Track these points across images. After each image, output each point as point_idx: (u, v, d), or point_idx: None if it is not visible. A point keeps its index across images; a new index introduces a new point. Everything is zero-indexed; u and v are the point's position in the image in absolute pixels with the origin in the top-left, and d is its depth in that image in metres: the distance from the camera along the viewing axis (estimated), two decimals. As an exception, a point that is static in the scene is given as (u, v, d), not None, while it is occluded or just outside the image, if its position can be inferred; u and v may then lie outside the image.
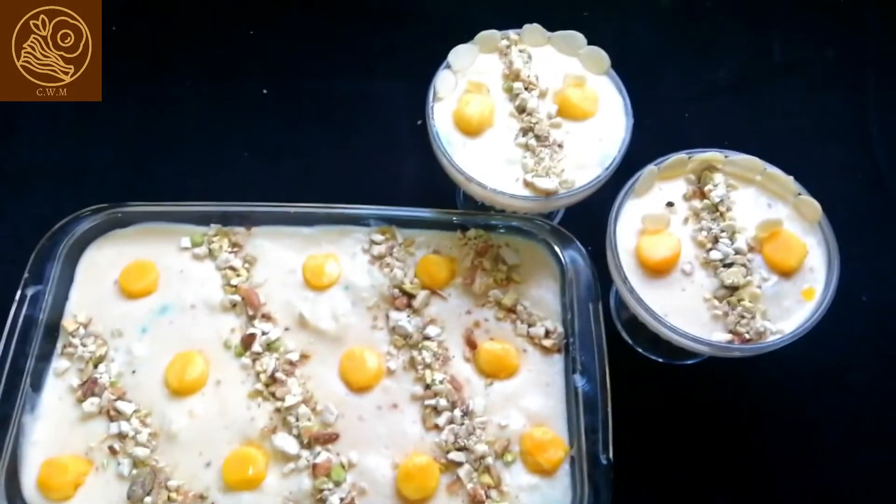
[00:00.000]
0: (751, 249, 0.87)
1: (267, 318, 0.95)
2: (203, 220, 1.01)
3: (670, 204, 0.91)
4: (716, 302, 0.85)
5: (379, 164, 1.18)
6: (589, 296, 0.94)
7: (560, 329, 0.94)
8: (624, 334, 1.05)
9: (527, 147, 0.93)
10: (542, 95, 0.96)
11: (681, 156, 0.92)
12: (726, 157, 0.92)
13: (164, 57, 1.27)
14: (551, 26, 1.00)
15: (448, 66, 0.97)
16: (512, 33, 1.00)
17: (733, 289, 0.85)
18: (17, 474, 0.86)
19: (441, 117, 0.95)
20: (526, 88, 0.96)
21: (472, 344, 0.93)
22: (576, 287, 0.95)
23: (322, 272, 0.97)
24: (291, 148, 1.20)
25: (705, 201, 0.90)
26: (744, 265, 0.86)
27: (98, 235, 1.00)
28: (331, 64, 1.27)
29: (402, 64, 1.26)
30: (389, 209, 1.00)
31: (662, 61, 1.28)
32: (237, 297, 0.96)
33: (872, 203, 1.16)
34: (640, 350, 1.04)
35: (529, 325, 0.94)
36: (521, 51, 0.99)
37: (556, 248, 0.98)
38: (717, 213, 0.89)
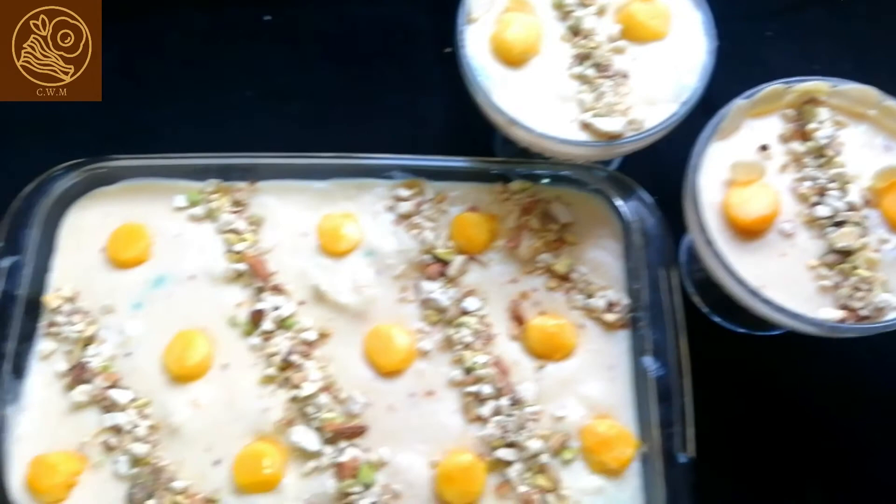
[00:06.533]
0: (866, 203, 0.73)
1: (278, 290, 0.83)
2: (200, 174, 0.88)
3: (764, 147, 0.75)
4: (823, 270, 0.71)
5: (401, 104, 1.03)
6: (660, 259, 0.81)
7: (625, 300, 0.81)
8: (696, 298, 0.90)
9: (584, 79, 0.77)
10: (601, 12, 0.80)
11: (776, 86, 0.76)
12: (833, 87, 0.75)
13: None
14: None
15: (483, -22, 0.80)
16: (563, -70, 0.82)
17: (845, 253, 0.70)
18: (2, 474, 0.77)
19: (475, 44, 0.79)
20: (581, 3, 0.80)
21: (518, 319, 0.81)
22: (643, 248, 0.81)
23: (340, 235, 0.85)
24: (300, 86, 1.04)
25: (808, 143, 0.74)
26: (858, 223, 0.71)
27: (80, 195, 0.89)
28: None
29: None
30: (416, 158, 0.87)
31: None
32: (242, 266, 0.84)
33: None
34: (715, 319, 0.89)
35: (587, 296, 0.82)
36: (573, -46, 0.81)
37: (618, 201, 0.84)
38: (824, 159, 0.74)
